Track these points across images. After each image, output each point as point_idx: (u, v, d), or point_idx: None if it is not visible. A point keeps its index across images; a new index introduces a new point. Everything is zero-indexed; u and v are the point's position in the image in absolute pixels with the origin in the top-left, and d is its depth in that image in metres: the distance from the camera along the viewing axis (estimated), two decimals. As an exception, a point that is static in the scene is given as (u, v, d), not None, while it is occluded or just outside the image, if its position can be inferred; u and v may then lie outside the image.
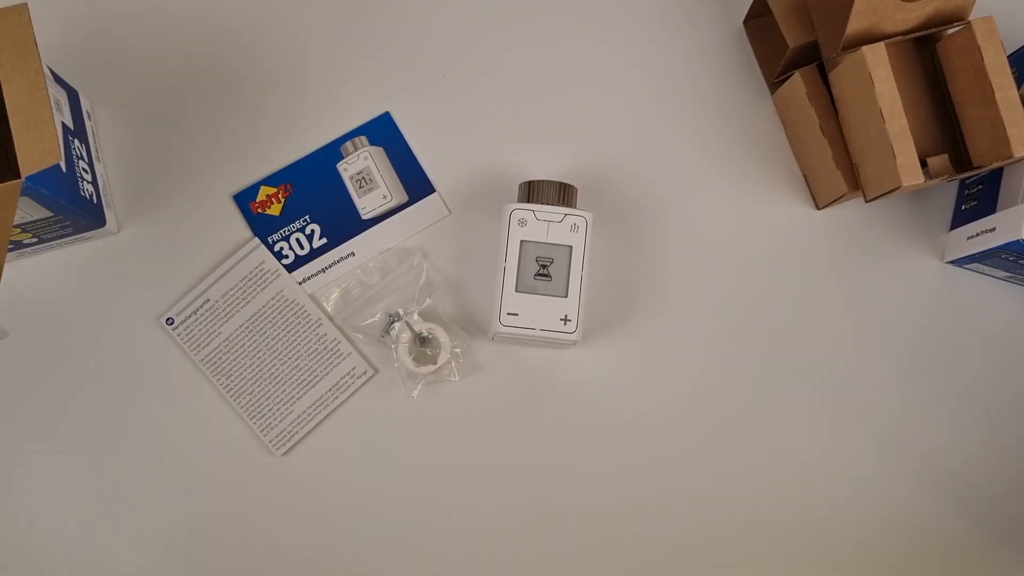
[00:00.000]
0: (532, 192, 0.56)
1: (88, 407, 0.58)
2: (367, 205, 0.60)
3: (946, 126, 0.55)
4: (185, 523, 0.57)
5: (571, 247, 0.55)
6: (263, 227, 0.60)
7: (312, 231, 0.60)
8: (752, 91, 0.62)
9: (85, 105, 0.59)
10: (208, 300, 0.58)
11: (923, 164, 0.53)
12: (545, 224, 0.55)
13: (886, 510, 0.58)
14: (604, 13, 0.63)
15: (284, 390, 0.58)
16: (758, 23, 0.62)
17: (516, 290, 0.54)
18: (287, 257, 0.59)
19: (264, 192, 0.60)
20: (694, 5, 0.63)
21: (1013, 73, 0.52)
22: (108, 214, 0.57)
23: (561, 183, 0.56)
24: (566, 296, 0.54)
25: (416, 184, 0.60)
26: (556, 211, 0.55)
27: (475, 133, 0.61)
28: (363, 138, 0.61)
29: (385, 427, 0.58)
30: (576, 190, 0.57)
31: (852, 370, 0.59)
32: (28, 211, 0.50)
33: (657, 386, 0.59)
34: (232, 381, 0.58)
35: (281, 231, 0.60)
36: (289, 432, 0.58)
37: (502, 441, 0.58)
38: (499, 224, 0.57)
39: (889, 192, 0.53)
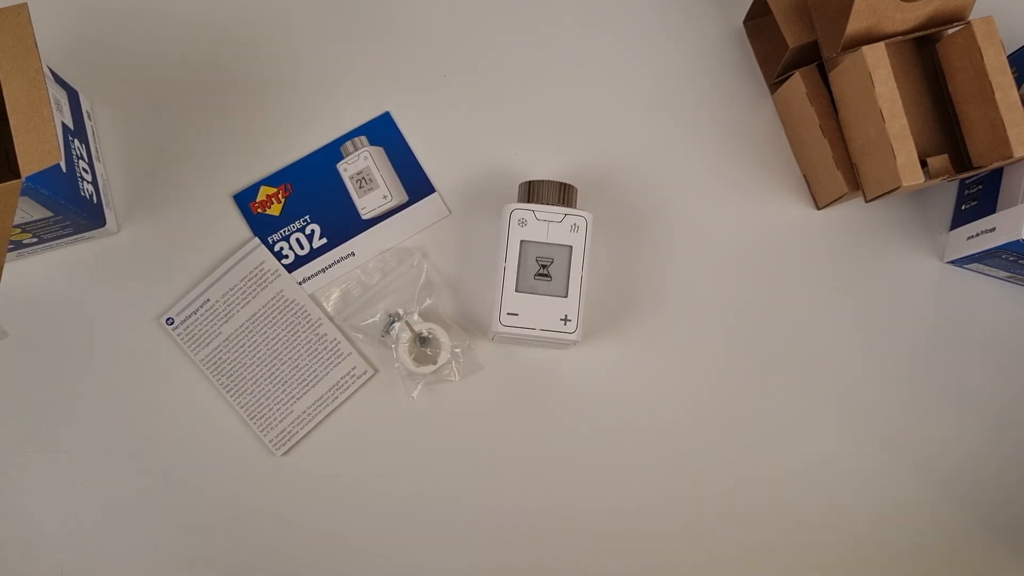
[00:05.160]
0: (532, 192, 0.56)
1: (88, 407, 0.58)
2: (367, 205, 0.60)
3: (946, 126, 0.55)
4: (185, 523, 0.57)
5: (571, 247, 0.55)
6: (263, 227, 0.60)
7: (312, 231, 0.60)
8: (752, 91, 0.62)
9: (85, 105, 0.59)
10: (208, 300, 0.58)
11: (923, 164, 0.53)
12: (545, 224, 0.55)
13: (886, 509, 0.58)
14: (604, 14, 0.63)
15: (284, 390, 0.58)
16: (758, 23, 0.63)
17: (516, 290, 0.54)
18: (287, 257, 0.59)
19: (264, 192, 0.60)
20: (694, 5, 0.63)
21: (1013, 73, 0.52)
22: (108, 214, 0.57)
23: (561, 183, 0.56)
24: (566, 296, 0.54)
25: (416, 184, 0.60)
26: (556, 211, 0.55)
27: (475, 133, 0.61)
28: (363, 138, 0.61)
29: (385, 427, 0.58)
30: (576, 190, 0.57)
31: (852, 370, 0.59)
32: (28, 211, 0.50)
33: (657, 386, 0.59)
34: (232, 381, 0.58)
35: (281, 231, 0.60)
36: (289, 432, 0.58)
37: (502, 441, 0.58)
38: (499, 224, 0.57)
39: (889, 192, 0.53)
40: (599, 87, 0.62)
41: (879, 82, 0.51)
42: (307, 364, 0.58)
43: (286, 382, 0.58)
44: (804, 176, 0.61)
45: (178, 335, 0.58)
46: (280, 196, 0.60)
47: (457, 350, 0.58)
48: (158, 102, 0.61)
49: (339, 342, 0.59)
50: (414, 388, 0.58)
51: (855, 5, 0.51)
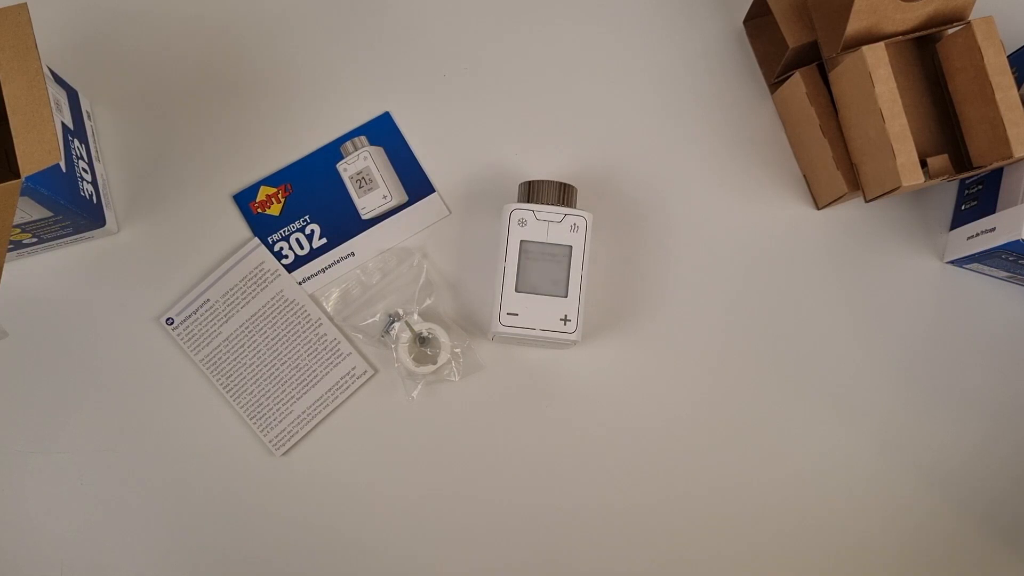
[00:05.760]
0: (532, 192, 0.56)
1: (88, 407, 0.58)
2: (367, 205, 0.60)
3: (946, 126, 0.55)
4: (185, 523, 0.57)
5: (571, 247, 0.55)
6: (263, 227, 0.60)
7: (312, 231, 0.60)
8: (752, 91, 0.62)
9: (85, 105, 0.59)
10: (208, 300, 0.58)
11: (923, 164, 0.53)
12: (545, 224, 0.55)
13: (886, 509, 0.58)
14: (604, 14, 0.63)
15: (284, 390, 0.58)
16: (758, 23, 0.63)
17: (516, 290, 0.54)
18: (287, 257, 0.59)
19: (264, 192, 0.60)
20: (694, 5, 0.63)
21: (1013, 73, 0.52)
22: (108, 214, 0.57)
23: (561, 183, 0.56)
24: (566, 296, 0.54)
25: (416, 184, 0.60)
26: (556, 211, 0.55)
27: (475, 133, 0.61)
28: (363, 138, 0.61)
29: (385, 427, 0.58)
30: (576, 190, 0.57)
31: (852, 369, 0.59)
32: (28, 211, 0.50)
33: (657, 386, 0.59)
34: (232, 381, 0.58)
35: (281, 231, 0.60)
36: (289, 432, 0.58)
37: (502, 441, 0.58)
38: (499, 224, 0.57)
39: (889, 192, 0.53)
40: (599, 87, 0.62)
41: (879, 82, 0.51)
42: (307, 364, 0.58)
43: (286, 382, 0.58)
44: (804, 176, 0.61)
45: (178, 335, 0.58)
46: (280, 196, 0.60)
47: (457, 350, 0.58)
48: (158, 102, 0.61)
49: (339, 342, 0.59)
50: (414, 388, 0.58)
51: (855, 5, 0.51)
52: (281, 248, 0.59)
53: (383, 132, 0.61)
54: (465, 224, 0.60)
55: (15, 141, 0.45)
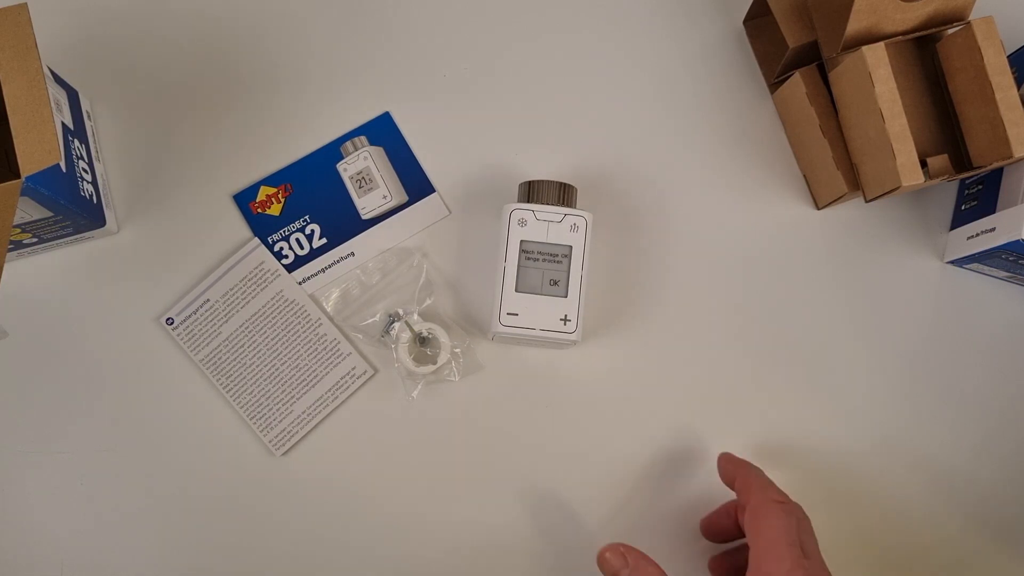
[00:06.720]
0: (532, 192, 0.56)
1: (87, 407, 0.58)
2: (367, 205, 0.60)
3: (946, 126, 0.55)
4: (184, 523, 0.57)
5: (571, 247, 0.55)
6: (263, 227, 0.60)
7: (312, 231, 0.60)
8: (752, 91, 0.62)
9: (85, 105, 0.59)
10: (208, 300, 0.58)
11: (923, 164, 0.53)
12: (545, 224, 0.55)
13: (884, 509, 0.58)
14: (604, 13, 0.63)
15: (284, 390, 0.58)
16: (758, 23, 0.63)
17: (516, 290, 0.54)
18: (287, 257, 0.59)
19: (264, 192, 0.60)
20: (694, 5, 0.63)
21: (1013, 73, 0.52)
22: (108, 214, 0.57)
23: (561, 183, 0.56)
24: (566, 296, 0.54)
25: (416, 184, 0.60)
26: (556, 211, 0.55)
27: (475, 133, 0.61)
28: (363, 138, 0.61)
29: (385, 427, 0.58)
30: (576, 190, 0.57)
31: (851, 369, 0.59)
32: (28, 211, 0.50)
33: (657, 386, 0.59)
34: (232, 381, 0.58)
35: (281, 231, 0.60)
36: (289, 432, 0.58)
37: (502, 441, 0.58)
38: (499, 224, 0.57)
39: (889, 192, 0.53)
40: (599, 87, 0.62)
41: (879, 82, 0.51)
42: (307, 364, 0.58)
43: (286, 382, 0.58)
44: (804, 176, 0.61)
45: (178, 335, 0.58)
46: (280, 196, 0.60)
47: (457, 350, 0.58)
48: (158, 102, 0.61)
49: (339, 342, 0.59)
50: (414, 388, 0.58)
51: (855, 5, 0.51)
52: (281, 248, 0.59)
53: (383, 132, 0.61)
54: (465, 224, 0.60)
55: (15, 141, 0.45)
